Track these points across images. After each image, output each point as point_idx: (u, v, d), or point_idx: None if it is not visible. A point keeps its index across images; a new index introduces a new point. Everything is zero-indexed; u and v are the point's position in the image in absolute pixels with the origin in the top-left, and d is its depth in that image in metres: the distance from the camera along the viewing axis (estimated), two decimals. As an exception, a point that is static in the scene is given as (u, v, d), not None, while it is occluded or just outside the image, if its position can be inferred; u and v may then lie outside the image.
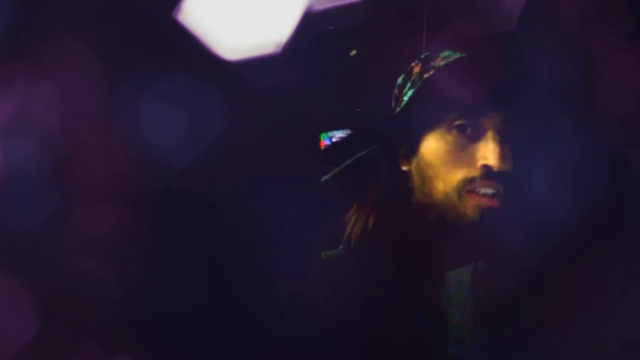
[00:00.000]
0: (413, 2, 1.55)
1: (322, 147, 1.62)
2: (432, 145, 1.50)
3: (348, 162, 1.59)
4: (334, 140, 1.61)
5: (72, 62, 1.44)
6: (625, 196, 1.53)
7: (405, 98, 1.52)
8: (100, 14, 1.44)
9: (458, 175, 1.47)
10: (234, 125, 1.50)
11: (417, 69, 1.52)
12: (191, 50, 1.46)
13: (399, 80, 1.55)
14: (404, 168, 1.55)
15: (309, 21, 1.50)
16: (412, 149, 1.53)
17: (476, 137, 1.47)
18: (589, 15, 1.54)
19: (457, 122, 1.47)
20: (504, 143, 1.46)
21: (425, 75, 1.50)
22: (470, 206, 1.46)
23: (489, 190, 1.46)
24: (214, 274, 1.52)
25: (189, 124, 1.48)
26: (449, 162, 1.47)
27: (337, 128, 1.62)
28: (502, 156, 1.45)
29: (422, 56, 1.53)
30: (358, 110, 1.61)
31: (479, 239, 1.47)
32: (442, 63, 1.50)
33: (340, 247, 1.59)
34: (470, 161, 1.47)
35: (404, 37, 1.56)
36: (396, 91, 1.54)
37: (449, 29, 1.52)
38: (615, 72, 1.55)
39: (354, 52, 1.58)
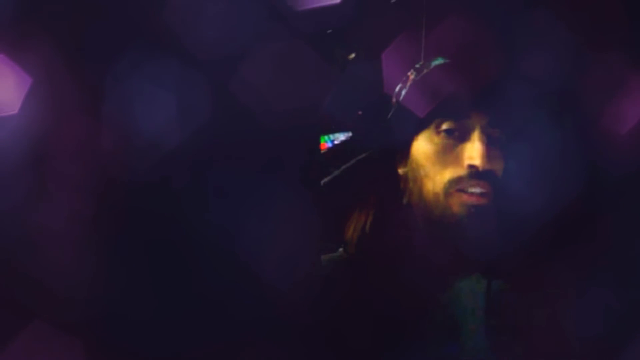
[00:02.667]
0: (412, 4, 1.57)
1: (323, 150, 1.63)
2: (422, 148, 1.53)
3: (349, 164, 1.61)
4: (335, 142, 1.63)
5: (56, 48, 1.47)
6: (598, 198, 1.54)
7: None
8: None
9: (446, 175, 1.50)
10: (233, 126, 1.52)
11: (412, 77, 1.56)
12: (181, 41, 1.48)
13: (397, 89, 1.58)
14: (400, 171, 1.58)
15: (306, 20, 1.52)
16: (405, 152, 1.56)
17: (463, 138, 1.50)
18: (578, 16, 1.55)
19: (444, 125, 1.51)
20: (490, 144, 1.49)
21: (413, 80, 1.54)
22: (457, 204, 1.48)
23: (476, 190, 1.48)
24: (206, 275, 1.53)
25: (178, 118, 1.50)
26: (437, 163, 1.51)
27: (339, 130, 1.63)
28: (488, 156, 1.48)
29: (417, 65, 1.56)
30: (360, 112, 1.62)
31: (468, 238, 1.48)
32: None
33: (340, 249, 1.60)
34: (457, 161, 1.50)
35: (403, 38, 1.58)
36: (394, 99, 1.58)
37: (446, 30, 1.54)
38: (604, 73, 1.56)
39: (352, 55, 1.60)
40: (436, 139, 1.51)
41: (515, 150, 1.51)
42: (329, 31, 1.60)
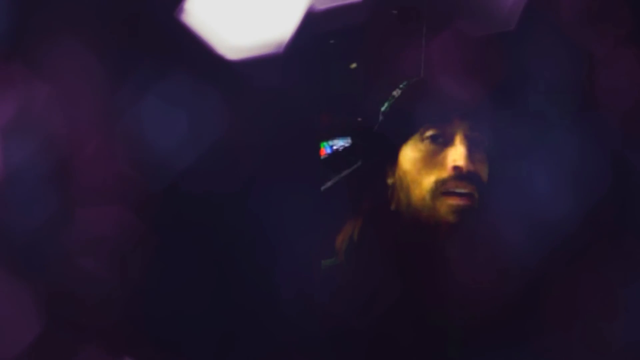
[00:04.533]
0: (413, 5, 1.61)
1: (322, 156, 1.65)
2: (408, 155, 1.57)
3: (347, 171, 1.64)
4: (335, 148, 1.65)
5: (73, 62, 1.48)
6: (626, 197, 1.57)
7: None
8: (101, 14, 1.48)
9: (432, 178, 1.54)
10: (237, 127, 1.53)
11: (395, 95, 1.62)
12: (194, 51, 1.51)
13: (384, 106, 1.63)
14: (390, 181, 1.61)
15: (311, 22, 1.55)
16: (392, 162, 1.60)
17: (447, 143, 1.55)
18: (588, 14, 1.59)
19: (428, 132, 1.56)
20: (474, 147, 1.54)
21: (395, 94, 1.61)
22: (444, 207, 1.52)
23: (461, 190, 1.52)
24: (216, 275, 1.53)
25: (191, 125, 1.51)
26: (423, 169, 1.55)
27: (338, 136, 1.66)
28: (471, 158, 1.53)
29: (401, 86, 1.62)
30: (359, 119, 1.65)
31: (466, 242, 1.51)
32: None
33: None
34: (442, 165, 1.54)
35: (404, 41, 1.62)
36: (381, 117, 1.63)
37: (448, 33, 1.58)
38: (616, 72, 1.60)
39: (354, 65, 1.63)
40: (421, 146, 1.56)
41: (499, 152, 1.55)
42: (332, 41, 1.64)
